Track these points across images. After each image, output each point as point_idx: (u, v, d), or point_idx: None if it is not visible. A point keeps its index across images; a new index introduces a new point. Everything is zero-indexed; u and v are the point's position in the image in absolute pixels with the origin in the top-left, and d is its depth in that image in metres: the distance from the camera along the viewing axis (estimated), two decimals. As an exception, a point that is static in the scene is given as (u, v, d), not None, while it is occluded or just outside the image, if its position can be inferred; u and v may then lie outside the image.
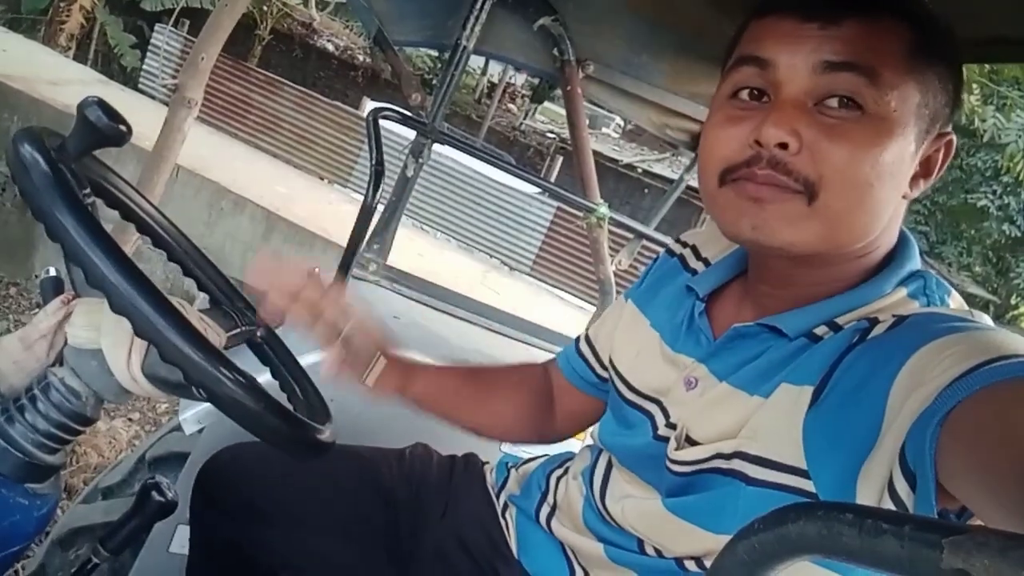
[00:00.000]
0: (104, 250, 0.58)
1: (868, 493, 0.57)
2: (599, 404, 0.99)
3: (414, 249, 5.95)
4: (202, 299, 0.96)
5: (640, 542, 0.81)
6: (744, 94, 0.69)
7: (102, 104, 0.67)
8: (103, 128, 0.67)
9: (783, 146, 0.64)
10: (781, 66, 0.66)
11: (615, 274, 1.98)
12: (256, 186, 5.84)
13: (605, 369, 0.96)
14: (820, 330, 0.70)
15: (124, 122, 0.70)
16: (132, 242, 2.98)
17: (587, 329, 1.04)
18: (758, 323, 0.73)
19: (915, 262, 0.72)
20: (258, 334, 0.93)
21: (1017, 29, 0.86)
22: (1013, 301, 14.52)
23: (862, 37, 0.64)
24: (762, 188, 0.66)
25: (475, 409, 1.03)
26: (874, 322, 0.66)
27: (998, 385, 0.50)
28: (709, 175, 0.71)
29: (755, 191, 0.66)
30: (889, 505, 0.54)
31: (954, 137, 0.69)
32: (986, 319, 0.65)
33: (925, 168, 0.69)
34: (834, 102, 0.64)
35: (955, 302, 0.71)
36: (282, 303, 0.86)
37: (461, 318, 1.67)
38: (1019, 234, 13.05)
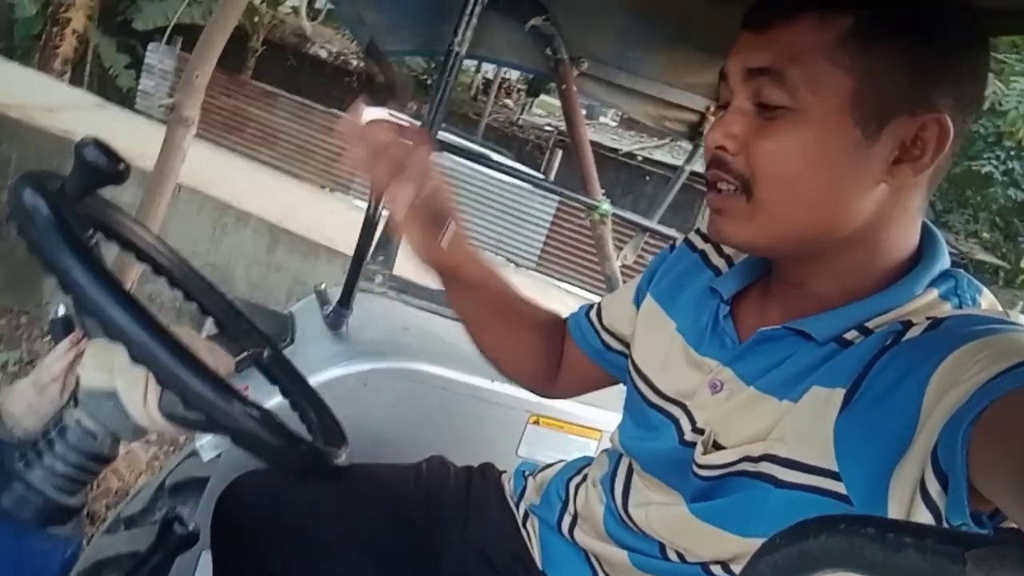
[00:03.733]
0: (118, 302, 0.59)
1: (900, 495, 0.57)
2: (600, 373, 1.02)
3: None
4: (209, 324, 0.97)
5: (662, 547, 0.81)
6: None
7: (99, 144, 0.67)
8: (102, 168, 0.67)
9: (721, 148, 0.70)
10: (729, 76, 0.72)
11: (621, 269, 1.97)
12: (258, 199, 5.84)
13: (616, 340, 0.98)
14: (850, 335, 0.69)
15: (122, 160, 0.70)
16: (136, 269, 2.99)
17: (600, 302, 1.04)
18: (785, 326, 0.72)
19: (944, 260, 0.71)
20: (265, 356, 0.93)
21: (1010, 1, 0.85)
22: (1023, 265, 14.44)
23: (781, 40, 0.67)
24: (715, 198, 0.73)
25: (499, 329, 1.04)
26: (907, 325, 0.65)
27: None
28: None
29: (713, 201, 0.73)
30: (921, 506, 0.54)
31: (943, 117, 0.65)
32: (1023, 319, 0.64)
33: (911, 152, 0.66)
34: (763, 104, 0.68)
35: (987, 301, 0.70)
36: (368, 158, 0.82)
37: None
38: (1025, 198, 12.96)
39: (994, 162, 12.45)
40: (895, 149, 0.66)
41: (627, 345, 0.95)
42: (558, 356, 1.06)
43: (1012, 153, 12.10)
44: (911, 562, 0.31)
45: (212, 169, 6.22)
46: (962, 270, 0.72)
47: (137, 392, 0.67)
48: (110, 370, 0.68)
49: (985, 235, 14.18)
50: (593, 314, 1.02)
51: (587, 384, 1.06)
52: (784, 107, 0.67)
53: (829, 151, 0.66)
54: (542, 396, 1.11)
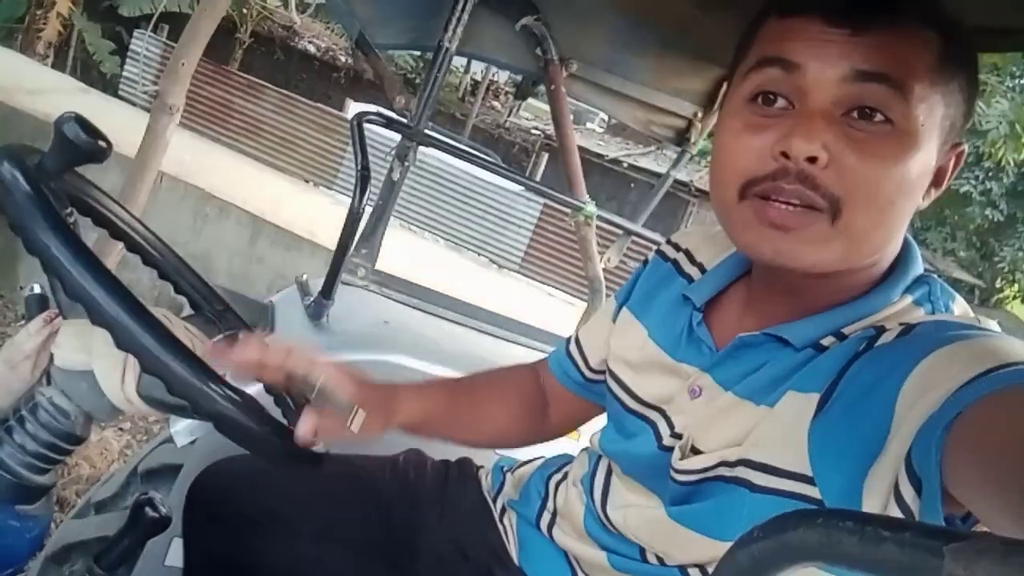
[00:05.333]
0: (104, 286, 0.58)
1: (874, 499, 0.57)
2: (589, 406, 1.00)
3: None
4: (184, 306, 0.96)
5: (642, 550, 0.81)
6: (765, 99, 0.66)
7: (80, 120, 0.66)
8: (82, 144, 0.66)
9: (812, 159, 0.62)
10: (809, 71, 0.63)
11: (604, 272, 1.97)
12: (241, 191, 5.79)
13: (593, 371, 0.97)
14: (827, 340, 0.69)
15: (103, 137, 0.69)
16: (117, 252, 2.95)
17: (576, 331, 1.03)
18: (764, 333, 0.72)
19: (918, 266, 0.72)
20: (240, 336, 0.92)
21: (1000, 18, 0.87)
22: (998, 284, 14.66)
23: (892, 46, 0.61)
24: (787, 215, 0.64)
25: (468, 423, 1.00)
26: (881, 330, 0.66)
27: (1003, 391, 0.50)
28: (727, 187, 0.68)
29: (779, 218, 0.64)
30: (895, 511, 0.54)
31: (965, 147, 0.68)
32: (992, 324, 0.65)
33: (937, 178, 0.68)
34: (862, 113, 0.62)
35: (959, 307, 0.71)
36: (250, 378, 0.78)
37: (452, 320, 1.67)
38: (1002, 218, 13.15)
39: (972, 182, 12.62)
40: (932, 174, 0.67)
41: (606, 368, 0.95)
42: (541, 402, 1.04)
43: (990, 174, 12.28)
44: (890, 555, 0.31)
45: (196, 159, 6.17)
46: (934, 276, 0.73)
47: (115, 373, 0.66)
48: (87, 350, 0.67)
49: (962, 254, 14.37)
50: (573, 349, 1.00)
51: (583, 418, 1.04)
52: (888, 120, 0.61)
53: (921, 178, 0.64)
54: (543, 443, 1.07)
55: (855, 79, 0.62)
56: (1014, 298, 14.90)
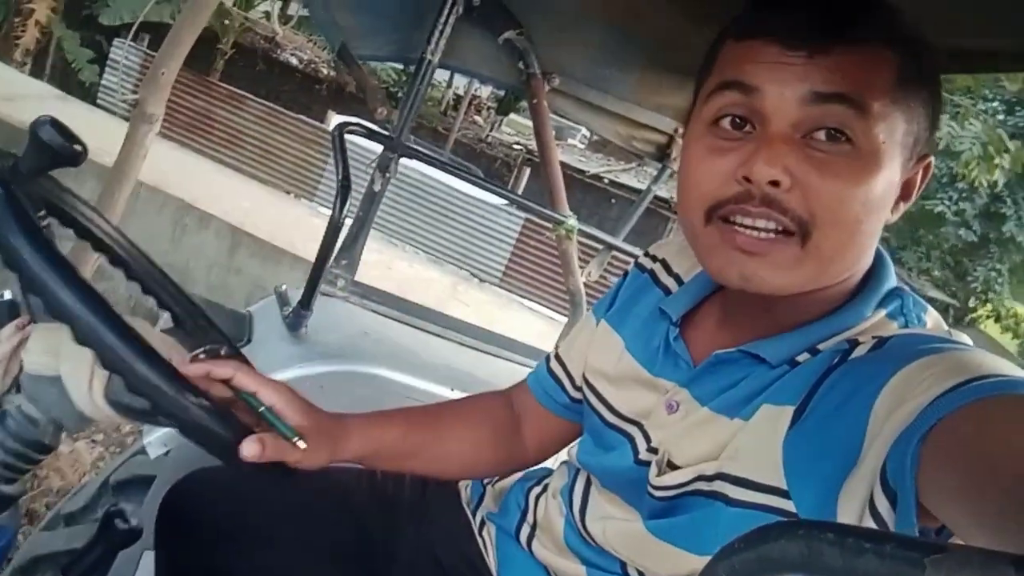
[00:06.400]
0: (64, 280, 0.56)
1: (849, 512, 0.56)
2: (573, 427, 0.96)
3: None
4: (165, 318, 0.94)
5: (623, 564, 0.80)
6: (726, 123, 0.67)
7: (55, 123, 0.65)
8: (57, 148, 0.65)
9: (775, 183, 0.62)
10: (768, 95, 0.64)
11: (585, 286, 1.98)
12: (221, 201, 5.76)
13: (578, 390, 0.94)
14: (801, 356, 0.69)
15: (79, 141, 0.68)
16: (92, 261, 2.92)
17: (556, 348, 1.01)
18: (740, 350, 0.72)
19: (891, 280, 0.72)
20: (222, 352, 0.91)
21: (978, 41, 0.88)
22: (971, 304, 14.88)
23: (850, 67, 0.62)
24: (756, 242, 0.64)
25: (431, 456, 0.95)
26: (854, 343, 0.66)
27: (976, 404, 0.50)
28: (693, 211, 0.68)
29: (748, 244, 0.64)
30: (870, 524, 0.54)
31: (932, 159, 0.68)
32: (965, 338, 0.65)
33: (905, 191, 0.68)
34: (822, 135, 0.63)
35: (931, 320, 0.71)
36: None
37: (431, 332, 1.66)
38: (975, 239, 13.40)
39: (946, 202, 12.85)
40: (899, 188, 0.67)
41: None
42: (513, 430, 1.00)
43: (964, 195, 12.50)
44: (870, 567, 0.31)
45: (175, 169, 6.12)
46: (907, 289, 0.73)
47: (82, 377, 0.64)
48: (55, 354, 0.66)
49: (936, 273, 14.59)
50: (555, 366, 0.97)
51: (563, 441, 1.00)
52: (849, 140, 0.62)
53: (886, 194, 0.64)
54: (515, 472, 1.03)
55: (814, 101, 0.62)
56: (987, 317, 15.12)
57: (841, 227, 0.63)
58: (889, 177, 0.64)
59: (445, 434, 0.95)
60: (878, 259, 0.73)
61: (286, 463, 0.74)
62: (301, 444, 0.76)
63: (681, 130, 1.78)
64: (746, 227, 0.64)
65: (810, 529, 0.34)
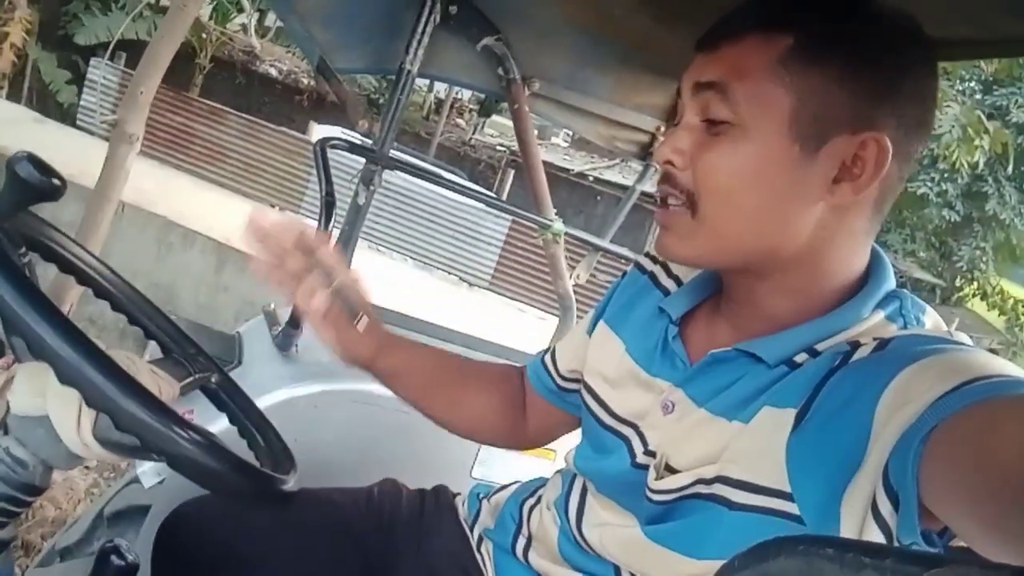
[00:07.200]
0: (46, 320, 0.55)
1: (852, 514, 0.57)
2: (566, 417, 1.01)
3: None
4: (152, 347, 0.93)
5: (617, 569, 0.80)
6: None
7: (32, 158, 0.65)
8: (35, 184, 0.65)
9: (669, 163, 0.71)
10: (681, 92, 0.73)
11: (574, 288, 1.98)
12: (205, 218, 5.73)
13: (566, 380, 0.98)
14: (799, 357, 0.70)
15: (57, 175, 0.67)
16: (75, 293, 2.89)
17: (551, 344, 1.04)
18: (736, 348, 0.73)
19: (890, 282, 0.73)
20: (212, 380, 0.90)
21: (959, 30, 0.88)
22: (958, 283, 15.00)
23: (728, 57, 0.68)
24: (661, 213, 0.74)
25: (446, 398, 1.03)
26: (855, 345, 0.66)
27: (978, 404, 0.50)
28: None
29: (660, 216, 0.74)
30: (872, 526, 0.55)
31: (882, 137, 0.65)
32: (965, 338, 0.65)
33: (850, 172, 0.66)
34: (707, 118, 0.70)
35: (930, 320, 0.72)
36: (272, 264, 0.86)
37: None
38: (958, 219, 13.51)
39: (929, 184, 12.94)
40: (834, 168, 0.66)
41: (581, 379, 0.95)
42: (518, 407, 1.05)
43: (946, 176, 12.59)
44: (870, 582, 0.31)
45: (157, 187, 6.09)
46: (906, 290, 0.74)
47: (70, 416, 0.64)
48: (42, 394, 0.65)
49: (922, 254, 14.70)
50: (548, 358, 1.02)
51: (555, 429, 1.05)
52: (728, 122, 0.68)
53: (768, 167, 0.67)
54: (515, 449, 1.10)
55: (696, 91, 0.70)
56: (974, 295, 15.25)
57: (721, 196, 0.69)
58: (772, 151, 0.66)
59: (468, 383, 1.04)
60: (876, 260, 0.73)
61: (284, 485, 0.73)
62: (361, 324, 0.91)
63: (663, 128, 1.78)
64: (659, 203, 0.74)
65: (810, 544, 0.34)
